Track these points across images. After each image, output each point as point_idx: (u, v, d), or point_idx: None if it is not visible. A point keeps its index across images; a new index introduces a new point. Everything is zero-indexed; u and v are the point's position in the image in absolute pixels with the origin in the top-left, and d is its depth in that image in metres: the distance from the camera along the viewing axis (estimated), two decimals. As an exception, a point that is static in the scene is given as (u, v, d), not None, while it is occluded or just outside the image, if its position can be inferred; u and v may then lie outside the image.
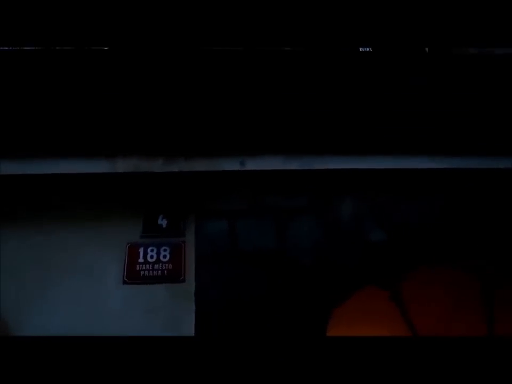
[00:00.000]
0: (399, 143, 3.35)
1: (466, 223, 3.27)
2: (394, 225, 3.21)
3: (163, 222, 3.21)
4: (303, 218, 3.20)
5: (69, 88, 3.32)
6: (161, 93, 3.39)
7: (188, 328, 2.85)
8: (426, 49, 4.12)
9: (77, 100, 3.30)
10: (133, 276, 3.02)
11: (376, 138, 3.35)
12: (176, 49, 3.57)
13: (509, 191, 3.40)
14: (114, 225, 3.20)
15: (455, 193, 3.35)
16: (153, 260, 3.08)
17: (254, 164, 3.24)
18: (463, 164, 3.34)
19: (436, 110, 3.53)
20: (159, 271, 3.04)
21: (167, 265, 3.06)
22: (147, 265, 3.05)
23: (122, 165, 3.17)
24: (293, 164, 3.24)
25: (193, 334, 2.83)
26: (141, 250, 3.11)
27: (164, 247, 3.12)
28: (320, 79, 3.55)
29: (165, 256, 3.09)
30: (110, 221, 3.21)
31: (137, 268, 3.04)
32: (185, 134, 3.28)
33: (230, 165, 3.23)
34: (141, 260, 3.07)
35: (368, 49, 4.15)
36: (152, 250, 3.11)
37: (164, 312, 2.91)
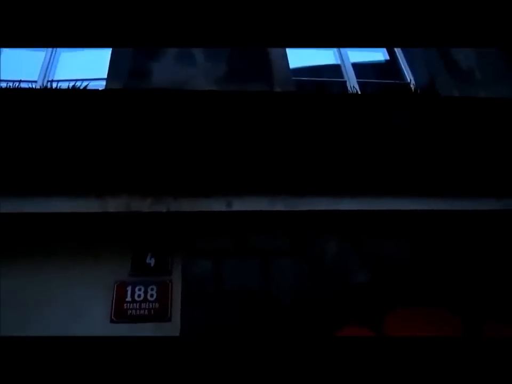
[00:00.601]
0: (383, 184, 3.46)
1: (445, 263, 3.36)
2: (375, 265, 3.29)
3: (151, 261, 3.28)
4: (286, 259, 3.27)
5: (62, 129, 3.42)
6: (152, 135, 3.51)
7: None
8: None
9: (69, 140, 3.40)
10: (120, 315, 3.06)
11: (360, 179, 3.46)
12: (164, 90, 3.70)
13: (488, 232, 3.50)
14: (103, 263, 3.26)
15: (434, 234, 3.45)
16: (141, 298, 3.13)
17: (240, 205, 3.33)
18: (444, 205, 3.45)
19: (417, 152, 3.65)
20: (146, 310, 3.09)
21: (154, 304, 3.11)
22: (134, 304, 3.10)
23: (112, 204, 3.25)
24: (278, 205, 3.33)
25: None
26: (129, 289, 3.16)
27: (151, 286, 3.18)
28: (303, 122, 3.68)
29: (152, 295, 3.14)
30: (99, 259, 3.27)
31: (125, 307, 3.09)
32: (174, 174, 3.38)
33: (217, 205, 3.32)
34: (128, 298, 3.12)
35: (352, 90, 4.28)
36: (139, 289, 3.16)
37: (150, 352, 2.94)
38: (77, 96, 3.72)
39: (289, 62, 4.70)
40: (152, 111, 3.65)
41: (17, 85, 4.06)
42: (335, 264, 3.28)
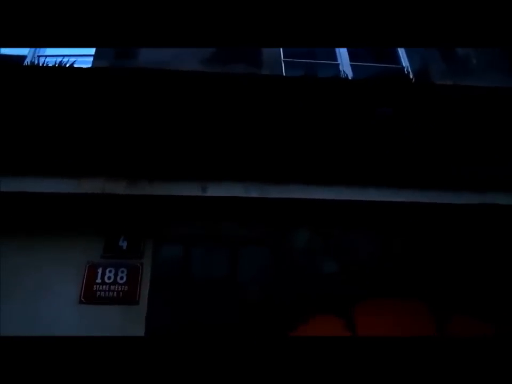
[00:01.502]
0: (359, 174, 3.42)
1: (417, 255, 3.33)
2: (346, 256, 3.27)
3: (124, 244, 3.30)
4: (257, 247, 3.27)
5: (41, 107, 3.42)
6: (131, 117, 3.49)
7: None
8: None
9: (47, 119, 3.40)
10: (89, 296, 3.10)
11: (337, 168, 3.42)
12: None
13: (464, 226, 3.45)
14: (77, 244, 3.29)
15: (409, 227, 3.41)
16: (111, 280, 3.16)
17: (215, 190, 3.32)
18: (422, 197, 3.40)
19: (400, 142, 3.58)
20: (115, 292, 3.12)
21: (123, 287, 3.14)
22: (104, 286, 3.14)
23: (87, 186, 3.27)
24: (253, 192, 3.31)
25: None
26: (100, 270, 3.20)
27: (121, 269, 3.21)
28: (285, 107, 3.62)
29: (122, 278, 3.17)
30: (73, 240, 3.30)
31: (94, 288, 3.13)
32: (150, 157, 3.37)
33: (192, 190, 3.32)
34: (98, 280, 3.16)
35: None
36: (110, 271, 3.19)
37: (116, 334, 2.97)
38: (60, 74, 3.70)
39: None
40: (133, 91, 3.63)
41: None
42: (305, 254, 3.28)
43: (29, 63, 4.23)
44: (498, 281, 3.30)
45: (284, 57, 4.57)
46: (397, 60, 4.79)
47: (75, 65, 4.01)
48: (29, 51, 4.54)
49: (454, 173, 3.51)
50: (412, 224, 3.43)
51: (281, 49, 4.59)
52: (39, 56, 4.46)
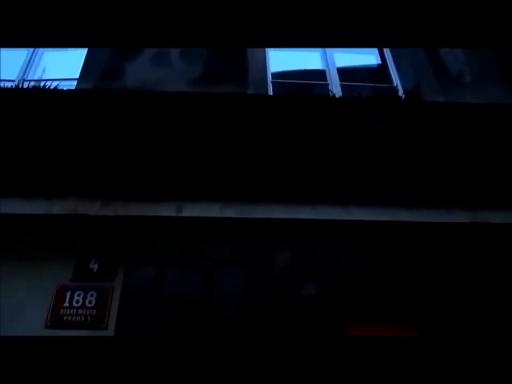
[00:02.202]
0: (340, 192, 3.27)
1: (405, 277, 3.15)
2: (328, 277, 3.10)
3: (95, 266, 3.18)
4: (234, 268, 3.11)
5: (17, 128, 3.37)
6: (105, 137, 3.41)
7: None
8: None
9: (23, 140, 3.34)
10: (55, 321, 2.97)
11: (318, 186, 3.28)
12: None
13: (455, 245, 3.28)
14: (48, 267, 3.17)
15: (393, 246, 3.24)
16: (79, 304, 3.03)
17: (191, 210, 3.20)
18: (409, 216, 3.24)
19: (386, 160, 3.45)
20: (83, 317, 2.98)
21: (91, 311, 3.01)
22: (72, 310, 3.01)
23: (60, 207, 3.17)
24: (230, 212, 3.18)
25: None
26: (68, 294, 3.07)
27: (91, 292, 3.08)
28: (263, 126, 3.52)
29: (90, 302, 3.04)
30: (43, 262, 3.19)
31: (61, 312, 3.00)
32: (125, 177, 3.27)
33: (167, 210, 3.20)
34: (66, 304, 3.03)
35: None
36: (79, 295, 3.06)
37: (81, 360, 2.83)
38: (34, 96, 3.66)
39: (270, 64, 4.56)
40: (112, 112, 3.57)
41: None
42: (286, 275, 3.11)
43: (13, 87, 4.21)
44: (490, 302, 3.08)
45: (272, 78, 4.49)
46: (388, 79, 4.69)
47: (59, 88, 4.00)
48: (17, 76, 4.54)
49: (445, 191, 3.35)
50: (399, 243, 3.25)
51: (269, 70, 4.52)
52: (24, 81, 4.46)
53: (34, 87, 3.98)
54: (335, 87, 4.47)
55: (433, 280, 3.16)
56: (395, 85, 4.55)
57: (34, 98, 3.70)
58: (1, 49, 4.87)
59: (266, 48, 4.65)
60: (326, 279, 3.11)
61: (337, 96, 4.21)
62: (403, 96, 4.30)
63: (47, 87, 3.97)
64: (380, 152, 3.50)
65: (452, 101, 3.95)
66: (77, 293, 3.07)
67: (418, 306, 3.04)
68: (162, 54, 4.36)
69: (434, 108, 3.82)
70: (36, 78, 4.57)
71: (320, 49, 4.92)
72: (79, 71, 4.34)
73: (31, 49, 4.78)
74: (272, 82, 4.46)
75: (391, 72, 4.69)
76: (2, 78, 4.42)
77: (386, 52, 4.89)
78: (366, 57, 5.03)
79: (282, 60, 4.82)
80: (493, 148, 3.59)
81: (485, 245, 3.28)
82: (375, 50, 5.03)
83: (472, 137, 3.62)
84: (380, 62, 4.94)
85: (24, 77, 4.55)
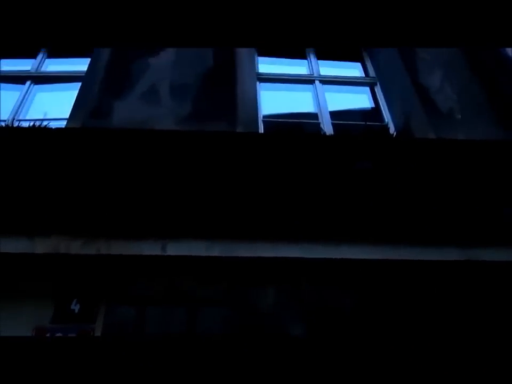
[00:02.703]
0: (330, 229, 3.20)
1: (395, 318, 3.03)
2: (314, 318, 2.99)
3: (76, 307, 3.08)
4: (217, 307, 3.01)
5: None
6: (88, 174, 3.38)
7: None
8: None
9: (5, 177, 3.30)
10: (32, 364, 2.85)
11: (305, 224, 3.22)
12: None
13: (448, 284, 3.18)
14: (26, 308, 3.06)
15: (384, 285, 3.14)
16: (57, 347, 2.91)
17: (175, 249, 3.13)
18: (400, 254, 3.16)
19: (374, 197, 3.39)
20: (61, 360, 2.86)
21: (70, 353, 2.88)
22: (50, 353, 2.89)
23: (41, 246, 3.10)
24: (215, 250, 3.11)
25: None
26: (47, 336, 2.96)
27: (71, 334, 2.96)
28: (251, 163, 3.49)
29: (70, 344, 2.92)
30: (22, 303, 3.08)
31: (39, 355, 2.88)
32: (108, 214, 3.22)
33: (151, 249, 3.13)
34: (44, 346, 2.91)
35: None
36: (58, 337, 2.95)
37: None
38: (21, 135, 3.65)
39: (260, 105, 4.57)
40: (94, 150, 3.54)
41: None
42: (270, 315, 3.00)
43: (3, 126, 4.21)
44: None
45: (263, 117, 4.49)
46: (380, 117, 4.68)
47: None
48: (8, 116, 4.54)
49: (436, 228, 3.28)
50: (390, 282, 3.16)
51: (260, 109, 4.52)
52: (16, 121, 4.46)
53: (22, 126, 3.95)
54: (327, 126, 4.46)
55: (424, 317, 3.06)
56: (386, 122, 4.53)
57: (21, 137, 3.68)
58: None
59: (257, 87, 4.66)
60: (312, 320, 2.99)
61: (327, 134, 4.18)
62: (394, 133, 4.27)
63: (36, 125, 3.96)
64: (371, 190, 3.44)
65: (443, 137, 3.91)
66: (56, 335, 2.96)
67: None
68: (151, 92, 4.36)
69: (425, 145, 3.78)
70: (27, 118, 4.56)
71: (312, 89, 4.94)
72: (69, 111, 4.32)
73: (24, 90, 4.80)
74: (263, 121, 4.45)
75: (383, 110, 4.69)
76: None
77: (377, 89, 4.91)
78: (358, 96, 5.04)
79: (273, 98, 4.83)
80: (484, 184, 3.53)
81: (477, 283, 3.18)
82: (367, 89, 5.05)
83: (464, 174, 3.56)
84: (372, 100, 4.95)
85: (16, 117, 4.54)
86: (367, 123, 4.48)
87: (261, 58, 5.14)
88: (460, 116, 4.26)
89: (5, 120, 4.46)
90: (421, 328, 3.00)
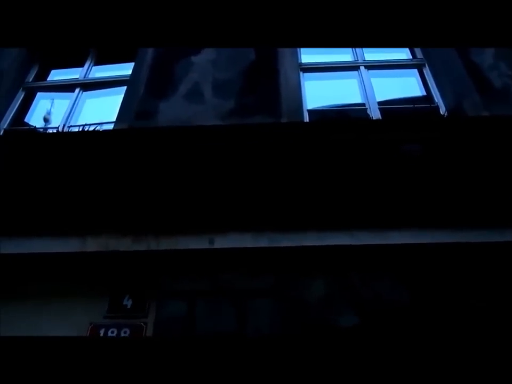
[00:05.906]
0: (379, 215, 3.09)
1: (449, 301, 2.89)
2: (365, 307, 2.89)
3: (128, 303, 3.13)
4: (266, 299, 2.97)
5: (40, 169, 3.43)
6: (136, 173, 3.41)
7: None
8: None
9: (49, 180, 3.39)
10: (88, 359, 2.91)
11: (354, 211, 3.13)
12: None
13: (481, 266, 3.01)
14: (80, 305, 3.16)
15: (438, 271, 3.00)
16: (112, 342, 2.96)
17: (222, 242, 3.13)
18: (452, 237, 3.02)
19: (424, 181, 3.26)
20: (116, 355, 2.91)
21: (124, 348, 2.93)
22: (105, 348, 2.94)
23: (92, 244, 3.19)
24: (262, 241, 3.08)
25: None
26: (102, 331, 3.02)
27: (124, 329, 3.01)
28: (296, 153, 3.43)
29: (124, 339, 2.97)
30: (76, 300, 3.18)
31: (95, 350, 2.94)
32: (155, 211, 3.25)
33: (199, 243, 3.14)
34: (99, 341, 2.97)
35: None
36: (112, 332, 3.01)
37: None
38: (72, 139, 3.75)
39: (305, 95, 4.49)
40: (141, 149, 3.58)
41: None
42: (320, 306, 2.93)
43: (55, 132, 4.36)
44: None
45: (308, 108, 4.42)
46: (429, 100, 4.50)
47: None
48: (60, 123, 4.69)
49: (490, 210, 3.11)
50: (443, 267, 3.01)
51: (304, 99, 4.44)
52: (68, 127, 4.61)
53: (71, 131, 4.07)
54: (374, 111, 4.33)
55: (487, 307, 2.89)
56: (436, 104, 4.35)
57: (71, 141, 3.78)
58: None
59: (300, 78, 4.59)
60: (363, 309, 2.90)
61: (375, 119, 4.07)
62: (445, 114, 4.09)
63: (85, 130, 4.08)
64: (420, 174, 3.30)
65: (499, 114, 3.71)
66: (110, 330, 3.02)
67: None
68: (194, 91, 4.38)
69: (479, 123, 3.59)
70: (78, 123, 4.69)
71: (357, 75, 4.82)
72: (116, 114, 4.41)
73: (74, 97, 4.94)
74: (308, 111, 4.37)
75: (432, 92, 4.50)
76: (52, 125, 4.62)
77: (426, 71, 4.72)
78: (405, 80, 4.88)
79: (317, 88, 4.75)
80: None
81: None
82: (415, 71, 4.88)
83: None
84: (420, 83, 4.76)
85: (67, 123, 4.68)
86: (416, 106, 4.31)
87: (303, 49, 5.05)
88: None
89: (56, 127, 4.61)
90: (484, 320, 2.82)
